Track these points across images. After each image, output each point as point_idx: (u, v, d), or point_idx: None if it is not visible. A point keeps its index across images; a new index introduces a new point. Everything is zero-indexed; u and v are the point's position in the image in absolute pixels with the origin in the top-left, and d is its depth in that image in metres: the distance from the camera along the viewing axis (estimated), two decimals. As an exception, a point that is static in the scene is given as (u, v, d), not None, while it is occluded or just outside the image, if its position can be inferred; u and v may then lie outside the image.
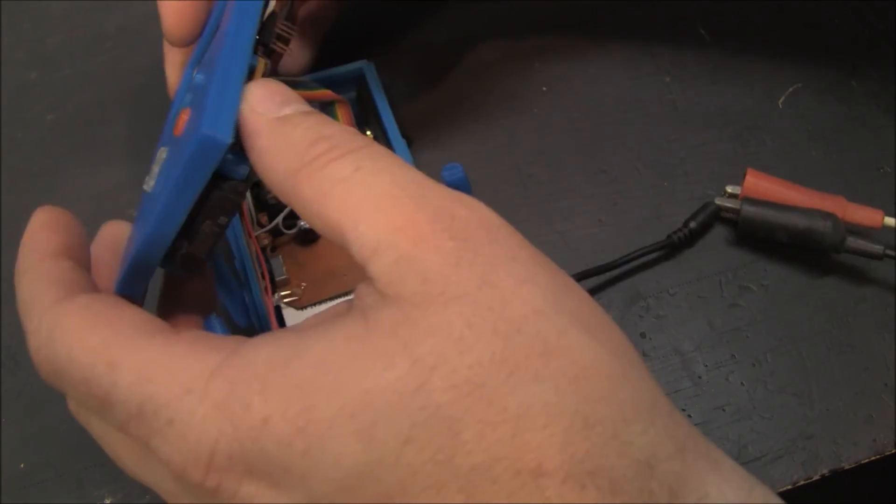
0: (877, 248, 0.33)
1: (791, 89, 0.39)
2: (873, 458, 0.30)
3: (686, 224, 0.35)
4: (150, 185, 0.24)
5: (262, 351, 0.19)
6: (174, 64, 0.31)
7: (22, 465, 0.32)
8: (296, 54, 0.35)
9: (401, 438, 0.18)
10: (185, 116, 0.23)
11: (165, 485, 0.21)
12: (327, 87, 0.32)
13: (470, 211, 0.20)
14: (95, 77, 0.41)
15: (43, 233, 0.24)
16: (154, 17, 0.45)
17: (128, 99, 0.41)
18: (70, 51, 0.42)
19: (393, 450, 0.18)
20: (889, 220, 0.34)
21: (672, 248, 0.35)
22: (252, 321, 0.30)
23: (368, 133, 0.35)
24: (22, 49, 0.43)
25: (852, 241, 0.33)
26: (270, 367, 0.19)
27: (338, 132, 0.21)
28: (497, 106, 0.39)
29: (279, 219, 0.33)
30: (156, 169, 0.24)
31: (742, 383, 0.32)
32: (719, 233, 0.36)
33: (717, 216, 0.35)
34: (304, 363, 0.19)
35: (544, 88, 0.40)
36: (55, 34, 0.43)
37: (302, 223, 0.33)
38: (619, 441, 0.18)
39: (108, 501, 0.31)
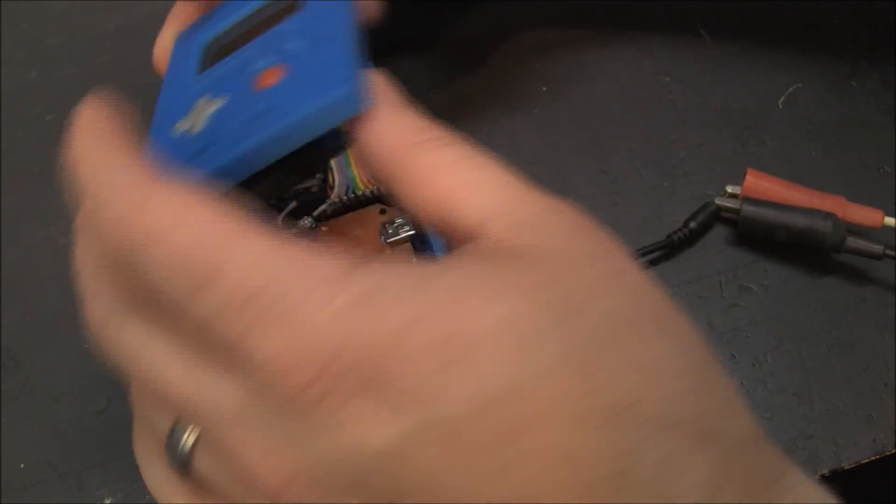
0: (877, 248, 0.33)
1: (791, 89, 0.39)
2: (873, 458, 0.30)
3: (686, 224, 0.35)
4: (193, 128, 0.23)
5: (395, 266, 0.18)
6: (171, 32, 0.32)
7: (22, 465, 0.32)
8: (372, 7, 0.35)
9: (547, 366, 0.16)
10: (276, 73, 0.22)
11: (232, 395, 0.18)
12: None
13: (571, 204, 0.21)
14: (95, 77, 0.41)
15: (107, 114, 0.21)
16: (154, 17, 0.45)
17: (128, 99, 0.41)
18: (70, 51, 0.42)
19: (538, 376, 0.16)
20: (889, 220, 0.34)
21: (672, 248, 0.35)
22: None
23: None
24: (22, 49, 0.43)
25: (852, 241, 0.33)
26: (411, 278, 0.18)
27: (447, 130, 0.22)
28: (497, 106, 0.39)
29: (279, 218, 0.33)
30: (203, 114, 0.23)
31: (742, 383, 0.32)
32: (719, 233, 0.36)
33: (717, 216, 0.35)
34: (447, 280, 0.17)
35: (544, 88, 0.40)
36: (55, 34, 0.43)
37: (302, 223, 0.33)
38: (734, 408, 0.18)
39: (108, 501, 0.31)
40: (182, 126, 0.23)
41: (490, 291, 0.17)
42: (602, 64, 0.40)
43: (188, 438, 0.19)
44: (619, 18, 0.42)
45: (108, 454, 0.32)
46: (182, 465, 0.19)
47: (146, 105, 0.41)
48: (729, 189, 0.35)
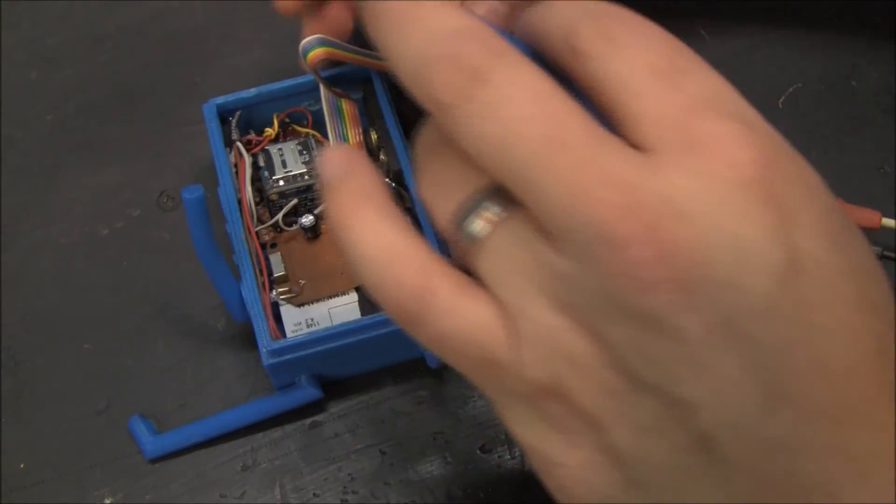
0: (875, 250, 0.33)
1: (791, 89, 0.39)
2: (873, 457, 0.30)
3: (686, 224, 0.35)
4: None
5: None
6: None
7: (22, 465, 0.32)
8: (344, 15, 0.34)
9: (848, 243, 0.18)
10: None
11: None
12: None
13: None
14: (95, 77, 0.41)
15: None
16: (154, 17, 0.45)
17: (128, 99, 0.41)
18: (70, 51, 0.42)
19: (849, 245, 0.18)
20: (887, 221, 0.34)
21: (672, 247, 0.35)
22: (248, 316, 0.31)
23: (374, 134, 0.35)
24: (22, 49, 0.43)
25: (852, 241, 0.33)
26: None
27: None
28: (497, 106, 0.39)
29: (279, 216, 0.33)
30: None
31: (742, 383, 0.32)
32: (719, 233, 0.36)
33: (717, 216, 0.35)
34: None
35: (544, 88, 0.40)
36: (55, 34, 0.43)
37: (303, 220, 0.33)
38: None
39: (108, 501, 0.31)
40: None
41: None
42: (602, 64, 0.40)
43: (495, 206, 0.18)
44: (619, 18, 0.42)
45: (108, 454, 0.32)
46: (482, 228, 0.18)
47: (146, 104, 0.41)
48: (729, 189, 0.35)
